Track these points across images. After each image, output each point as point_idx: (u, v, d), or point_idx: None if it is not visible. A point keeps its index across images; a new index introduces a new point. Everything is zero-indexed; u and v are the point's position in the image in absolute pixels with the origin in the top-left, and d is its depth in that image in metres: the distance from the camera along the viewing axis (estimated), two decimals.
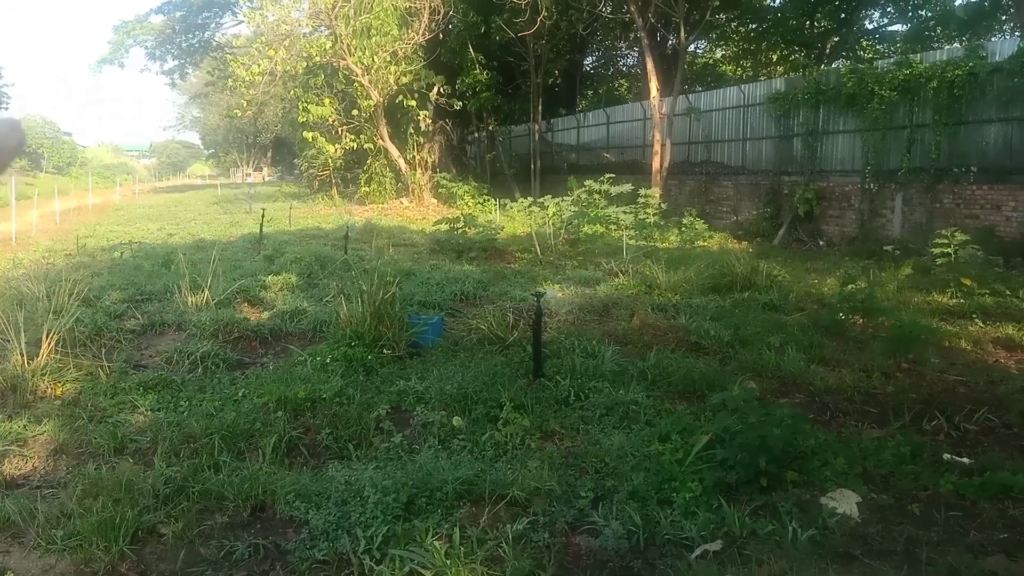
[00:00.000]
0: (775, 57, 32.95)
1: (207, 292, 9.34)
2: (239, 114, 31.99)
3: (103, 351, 7.28)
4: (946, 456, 4.90)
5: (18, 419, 5.39)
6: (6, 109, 54.50)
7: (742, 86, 21.86)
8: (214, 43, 40.42)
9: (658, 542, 3.85)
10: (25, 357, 6.29)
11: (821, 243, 17.29)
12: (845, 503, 4.21)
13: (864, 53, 28.44)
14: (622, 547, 3.79)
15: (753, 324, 8.31)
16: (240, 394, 6.10)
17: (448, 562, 3.43)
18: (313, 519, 3.98)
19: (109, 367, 6.78)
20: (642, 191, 18.56)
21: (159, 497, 4.21)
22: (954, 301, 9.90)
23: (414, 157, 28.93)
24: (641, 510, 4.08)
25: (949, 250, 11.47)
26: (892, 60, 17.50)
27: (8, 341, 6.42)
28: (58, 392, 6.19)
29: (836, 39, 28.20)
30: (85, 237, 18.10)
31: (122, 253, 14.41)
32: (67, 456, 4.98)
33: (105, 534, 3.73)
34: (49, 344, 6.53)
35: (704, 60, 37.85)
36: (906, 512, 4.16)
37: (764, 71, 32.37)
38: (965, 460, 4.86)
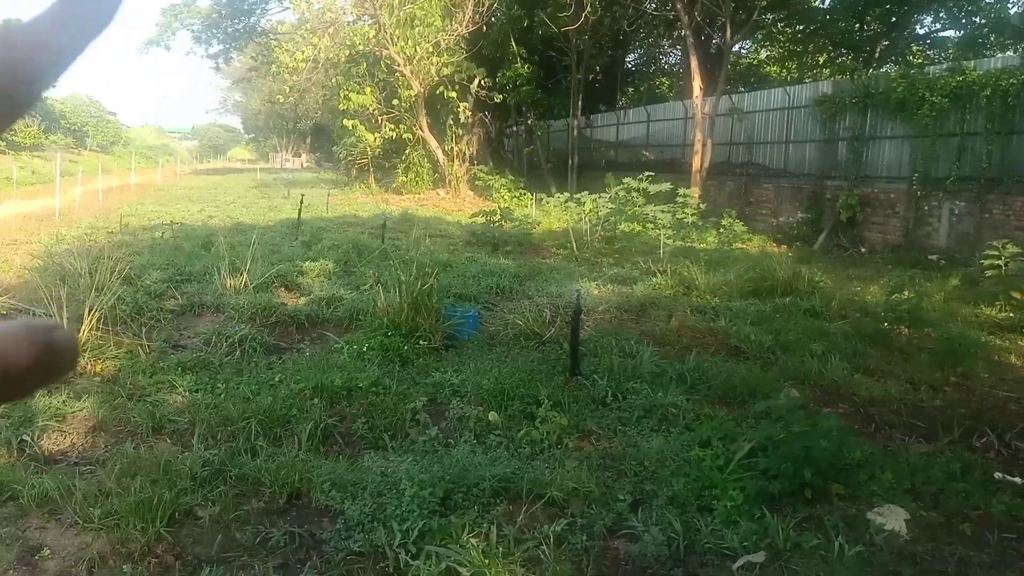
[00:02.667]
0: (822, 59, 32.39)
1: (246, 275, 9.39)
2: (281, 100, 32.33)
3: (143, 330, 7.33)
4: (997, 475, 4.74)
5: (58, 395, 5.43)
6: (54, 87, 55.52)
7: (787, 88, 21.49)
8: (259, 29, 40.69)
9: (699, 551, 3.76)
10: None
11: (863, 250, 16.95)
12: (893, 519, 4.08)
13: (915, 58, 27.85)
14: (662, 554, 3.70)
15: (794, 330, 8.14)
16: (277, 379, 6.10)
17: (487, 561, 3.37)
18: (349, 510, 3.94)
19: (149, 346, 6.82)
20: (681, 191, 18.32)
21: (196, 479, 4.21)
22: (1003, 315, 9.63)
23: (452, 149, 28.91)
24: (681, 516, 3.99)
25: (1000, 262, 11.16)
26: (944, 66, 17.09)
27: (51, 316, 6.48)
28: (98, 369, 6.23)
29: (886, 43, 27.61)
30: (127, 216, 18.33)
31: (163, 233, 14.54)
32: (105, 433, 5.00)
33: (142, 514, 3.72)
34: (91, 321, 6.59)
35: (749, 60, 37.28)
36: (957, 532, 4.02)
37: (810, 73, 31.79)
38: (1017, 480, 4.70)
